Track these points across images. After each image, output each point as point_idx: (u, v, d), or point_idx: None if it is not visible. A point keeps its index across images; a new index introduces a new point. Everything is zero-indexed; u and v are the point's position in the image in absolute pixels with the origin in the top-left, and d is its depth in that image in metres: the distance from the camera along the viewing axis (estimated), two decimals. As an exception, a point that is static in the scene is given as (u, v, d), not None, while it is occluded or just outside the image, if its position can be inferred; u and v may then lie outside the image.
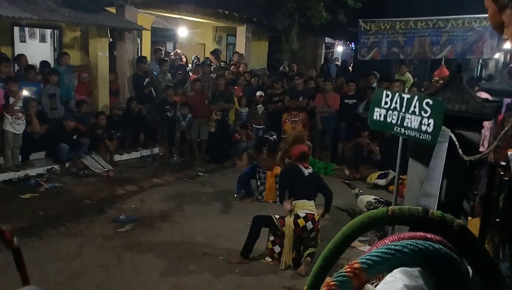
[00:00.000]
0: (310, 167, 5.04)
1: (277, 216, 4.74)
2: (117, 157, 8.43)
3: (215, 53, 11.69)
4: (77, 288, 4.07)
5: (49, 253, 4.74)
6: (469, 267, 1.05)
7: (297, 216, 4.61)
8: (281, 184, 5.39)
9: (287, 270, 4.65)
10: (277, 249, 4.74)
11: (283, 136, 9.42)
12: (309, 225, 4.60)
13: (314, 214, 4.66)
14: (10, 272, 4.22)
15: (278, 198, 6.47)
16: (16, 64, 8.37)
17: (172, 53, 12.41)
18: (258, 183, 6.87)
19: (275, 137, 7.66)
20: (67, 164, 7.62)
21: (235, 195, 6.87)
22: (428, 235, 0.91)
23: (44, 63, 8.60)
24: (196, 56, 12.35)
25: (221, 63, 11.64)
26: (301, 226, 4.57)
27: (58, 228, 5.37)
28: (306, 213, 4.62)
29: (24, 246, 4.82)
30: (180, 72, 10.23)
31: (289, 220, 4.62)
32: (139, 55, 10.33)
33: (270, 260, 4.77)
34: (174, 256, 4.83)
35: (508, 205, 2.64)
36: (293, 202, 4.69)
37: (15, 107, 6.81)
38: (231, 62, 11.56)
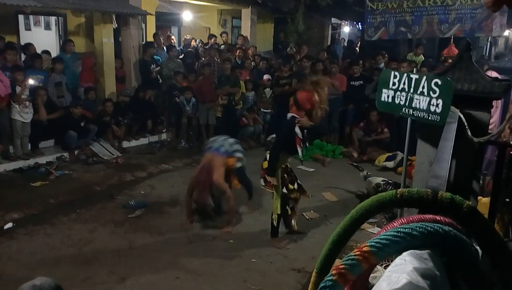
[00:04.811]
0: None
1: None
2: (125, 144, 8.48)
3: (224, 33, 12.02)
4: (90, 274, 4.13)
5: (61, 239, 4.80)
6: (478, 248, 1.05)
7: None
8: None
9: (296, 253, 4.68)
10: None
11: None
12: None
13: None
14: (22, 260, 4.30)
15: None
16: (22, 53, 8.37)
17: (184, 38, 12.35)
18: None
19: None
20: (76, 152, 7.67)
21: None
22: (437, 217, 0.90)
23: (45, 52, 8.57)
24: (201, 40, 12.25)
25: (224, 45, 11.57)
26: None
27: (69, 215, 5.44)
28: None
29: (36, 233, 4.90)
30: (189, 59, 10.20)
31: None
32: (144, 41, 10.30)
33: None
34: (184, 240, 4.88)
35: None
36: None
37: (22, 96, 6.84)
38: (236, 45, 11.46)
